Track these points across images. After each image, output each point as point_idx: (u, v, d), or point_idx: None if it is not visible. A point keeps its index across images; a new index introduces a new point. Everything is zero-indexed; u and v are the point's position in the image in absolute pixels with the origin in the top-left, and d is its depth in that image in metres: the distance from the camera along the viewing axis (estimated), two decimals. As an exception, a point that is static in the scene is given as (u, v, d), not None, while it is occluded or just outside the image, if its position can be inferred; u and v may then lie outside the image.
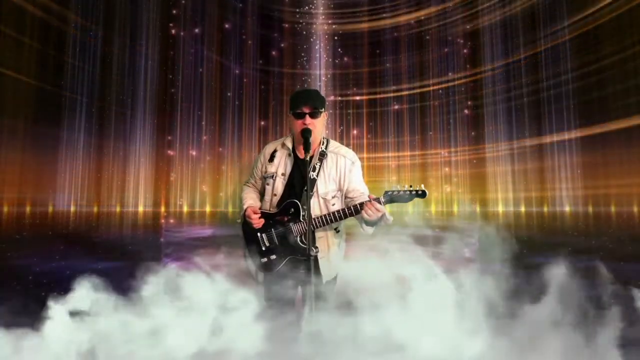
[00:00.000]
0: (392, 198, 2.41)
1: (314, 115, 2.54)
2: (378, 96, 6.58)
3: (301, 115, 2.54)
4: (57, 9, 5.42)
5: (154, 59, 6.09)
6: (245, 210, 2.66)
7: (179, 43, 6.27)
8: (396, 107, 6.53)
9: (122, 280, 2.36)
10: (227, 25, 6.43)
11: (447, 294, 2.08)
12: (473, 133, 6.25)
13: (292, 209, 2.60)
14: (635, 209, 5.12)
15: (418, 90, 6.45)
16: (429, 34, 6.40)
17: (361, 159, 2.79)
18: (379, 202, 2.38)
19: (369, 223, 2.47)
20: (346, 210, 2.46)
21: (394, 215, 2.50)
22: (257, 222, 2.62)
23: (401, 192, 2.40)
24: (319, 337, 2.01)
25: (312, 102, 2.55)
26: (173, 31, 6.25)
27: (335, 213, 2.48)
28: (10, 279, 4.16)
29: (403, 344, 1.92)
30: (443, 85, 6.39)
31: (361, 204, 2.40)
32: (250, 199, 2.76)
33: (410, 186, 2.40)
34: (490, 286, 2.22)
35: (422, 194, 2.37)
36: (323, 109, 2.61)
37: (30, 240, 5.17)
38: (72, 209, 5.70)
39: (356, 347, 1.97)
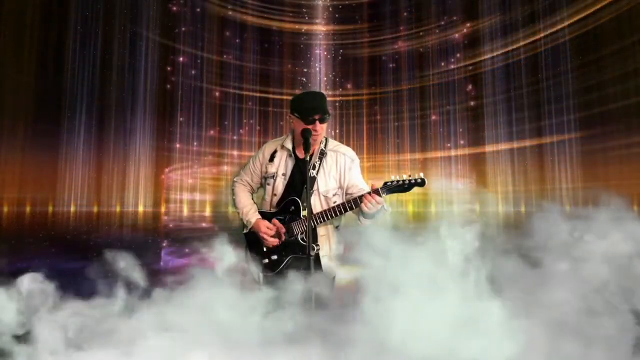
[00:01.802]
0: (391, 189, 2.41)
1: (323, 120, 2.56)
2: (378, 95, 6.58)
3: (312, 122, 2.54)
4: (57, 9, 5.42)
5: (154, 58, 6.10)
6: (255, 223, 2.65)
7: (179, 42, 6.27)
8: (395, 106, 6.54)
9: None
10: (226, 25, 6.43)
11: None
12: (473, 125, 6.25)
13: (293, 207, 2.61)
14: (635, 208, 5.12)
15: (418, 87, 6.44)
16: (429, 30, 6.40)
17: (361, 159, 2.80)
18: (379, 194, 2.38)
19: (367, 216, 2.48)
20: (346, 204, 2.46)
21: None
22: (271, 240, 2.62)
23: (400, 182, 2.40)
24: (320, 336, 2.00)
25: (322, 110, 2.55)
26: (174, 30, 6.25)
27: (335, 208, 2.48)
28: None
29: (408, 342, 1.91)
30: (443, 80, 6.38)
31: (360, 197, 2.40)
32: (252, 207, 2.74)
33: (410, 175, 2.40)
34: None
35: (422, 183, 2.37)
36: (330, 113, 2.63)
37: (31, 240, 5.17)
38: (72, 209, 5.70)
39: (358, 346, 1.97)
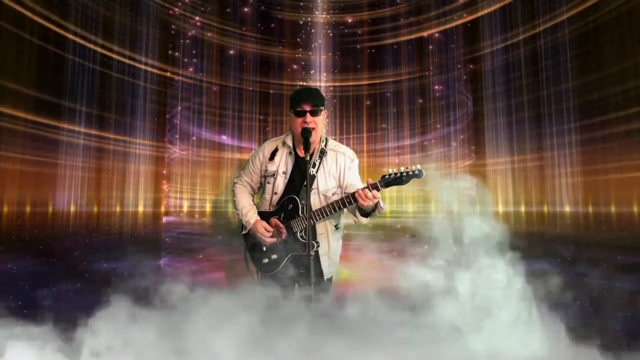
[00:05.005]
0: (389, 182, 2.42)
1: (314, 113, 2.55)
2: (378, 91, 6.54)
3: (302, 114, 2.55)
4: (57, 14, 5.43)
5: (154, 58, 6.10)
6: (253, 224, 2.65)
7: (178, 40, 6.26)
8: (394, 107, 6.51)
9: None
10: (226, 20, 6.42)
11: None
12: (472, 115, 6.23)
13: (291, 205, 2.61)
14: (635, 209, 5.11)
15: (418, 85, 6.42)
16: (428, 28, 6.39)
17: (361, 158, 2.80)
18: (377, 188, 2.39)
19: (363, 213, 2.49)
20: (344, 199, 2.47)
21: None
22: (270, 240, 2.62)
23: (398, 175, 2.41)
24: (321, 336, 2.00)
25: (313, 100, 2.55)
26: (173, 27, 6.24)
27: (334, 203, 2.49)
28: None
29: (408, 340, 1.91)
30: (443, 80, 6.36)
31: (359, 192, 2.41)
32: (251, 208, 2.74)
33: (407, 168, 2.41)
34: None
35: (419, 174, 2.39)
36: (323, 107, 2.62)
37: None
38: (72, 209, 5.70)
39: (360, 346, 1.97)
